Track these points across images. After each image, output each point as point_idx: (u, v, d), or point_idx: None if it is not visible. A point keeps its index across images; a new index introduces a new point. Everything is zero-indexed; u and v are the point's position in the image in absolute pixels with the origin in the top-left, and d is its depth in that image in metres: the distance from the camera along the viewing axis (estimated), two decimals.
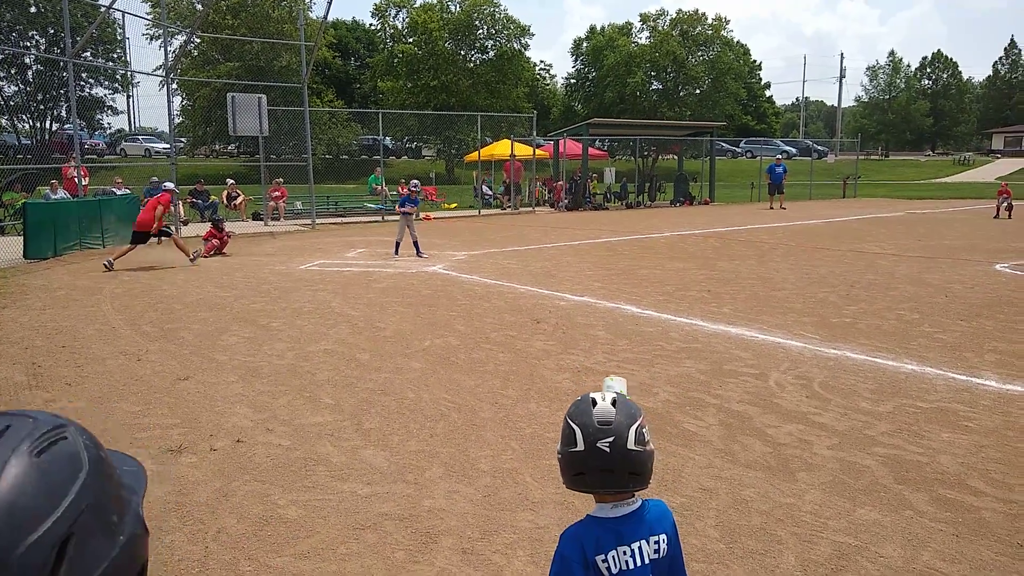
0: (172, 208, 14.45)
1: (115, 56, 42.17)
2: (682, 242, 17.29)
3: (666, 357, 7.05)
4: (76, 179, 17.26)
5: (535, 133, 29.48)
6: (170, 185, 14.67)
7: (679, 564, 1.87)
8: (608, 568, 1.77)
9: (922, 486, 4.27)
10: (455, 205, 29.13)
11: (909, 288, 10.67)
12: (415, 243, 14.38)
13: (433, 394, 5.98)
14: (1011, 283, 11.21)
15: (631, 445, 1.75)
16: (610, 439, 1.75)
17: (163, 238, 13.99)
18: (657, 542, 1.82)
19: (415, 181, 15.36)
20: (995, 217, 23.60)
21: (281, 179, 23.43)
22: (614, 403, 1.80)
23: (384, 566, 3.47)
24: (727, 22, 55.66)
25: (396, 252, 14.40)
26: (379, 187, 25.56)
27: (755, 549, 3.60)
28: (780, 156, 34.17)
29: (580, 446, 1.78)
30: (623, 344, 7.55)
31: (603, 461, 1.76)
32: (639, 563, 1.78)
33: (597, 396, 1.83)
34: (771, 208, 27.64)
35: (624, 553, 1.78)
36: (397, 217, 15.21)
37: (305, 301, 9.90)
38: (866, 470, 4.49)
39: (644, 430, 1.79)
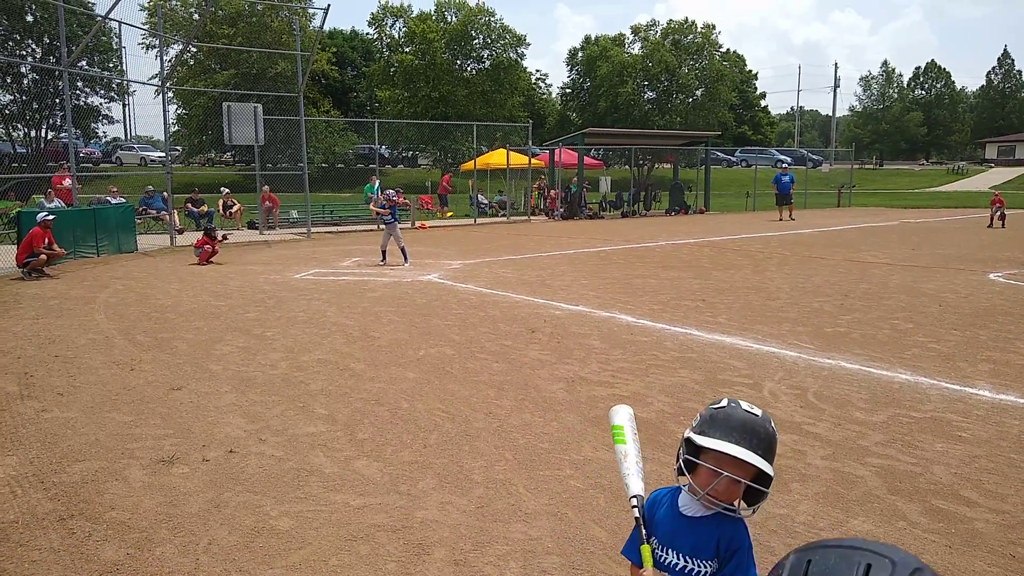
0: (44, 243, 12.98)
1: (111, 65, 42.25)
2: (677, 251, 17.32)
3: (660, 367, 7.05)
4: (71, 188, 17.24)
5: (531, 142, 29.53)
6: (41, 215, 13.44)
7: None
8: None
9: (915, 496, 4.27)
10: (451, 214, 29.15)
11: (903, 298, 10.69)
12: (402, 250, 14.53)
13: (427, 404, 5.97)
14: (1005, 292, 11.24)
15: None
16: None
17: (34, 273, 12.78)
18: None
19: (389, 191, 15.59)
20: (989, 226, 23.68)
21: (267, 187, 23.00)
22: None
23: None
24: (714, 28, 56.23)
25: (383, 259, 14.58)
26: (375, 196, 25.57)
27: None
28: (785, 165, 33.92)
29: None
30: (618, 354, 7.54)
31: None
32: None
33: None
34: (780, 219, 27.01)
35: None
36: (406, 228, 15.34)
37: (300, 310, 9.88)
38: (859, 480, 4.49)
39: None
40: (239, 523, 3.97)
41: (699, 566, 1.90)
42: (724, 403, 1.91)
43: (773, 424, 1.91)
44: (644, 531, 1.96)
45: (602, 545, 3.69)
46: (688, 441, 1.89)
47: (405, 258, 14.45)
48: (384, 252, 14.63)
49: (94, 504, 4.20)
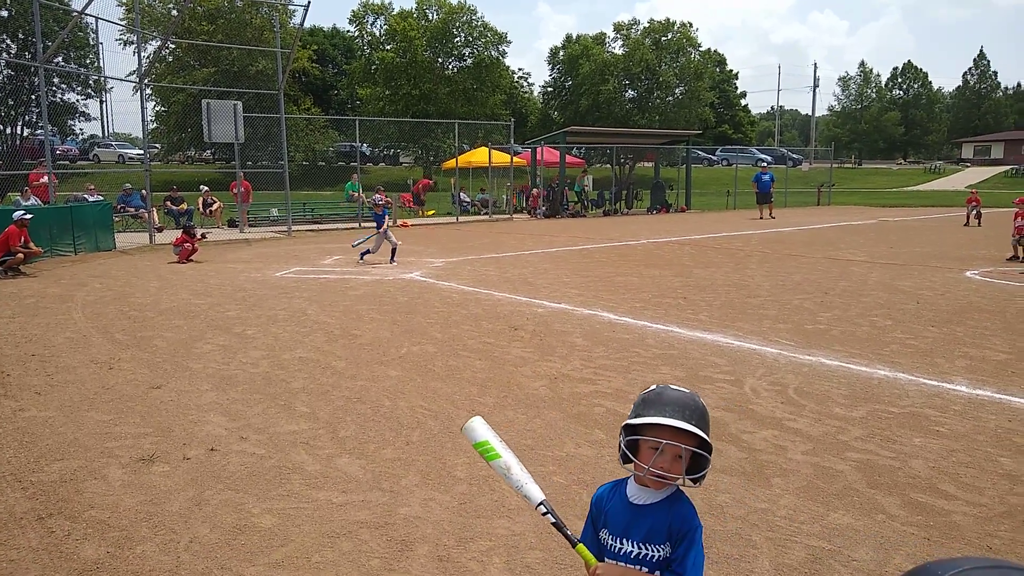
0: (20, 242, 12.83)
1: (88, 62, 41.77)
2: (658, 249, 17.39)
3: (642, 364, 7.08)
4: (49, 186, 17.01)
5: (512, 141, 29.54)
6: (18, 214, 13.31)
7: None
8: None
9: (894, 490, 4.32)
10: (433, 212, 29.09)
11: (882, 295, 10.81)
12: (393, 250, 14.55)
13: (409, 402, 5.96)
14: (981, 290, 11.39)
15: None
16: None
17: (10, 272, 12.70)
18: None
19: (375, 196, 15.59)
20: (965, 225, 24.00)
21: (242, 174, 22.52)
22: None
23: (359, 574, 3.45)
24: (691, 26, 56.56)
25: (362, 258, 14.55)
26: (356, 194, 25.46)
27: (730, 554, 3.62)
28: (765, 164, 34.18)
29: None
30: (600, 351, 7.57)
31: None
32: None
33: None
34: (761, 217, 27.36)
35: None
36: (373, 224, 15.24)
37: (280, 308, 9.83)
38: (839, 475, 4.54)
39: None
40: (221, 521, 3.94)
41: (653, 551, 1.94)
42: (654, 387, 2.02)
43: (702, 400, 2.00)
44: (569, 533, 2.02)
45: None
46: (626, 427, 1.97)
47: (392, 256, 14.46)
48: (367, 253, 14.59)
49: (73, 503, 4.16)
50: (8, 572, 3.45)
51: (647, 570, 1.95)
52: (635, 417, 1.95)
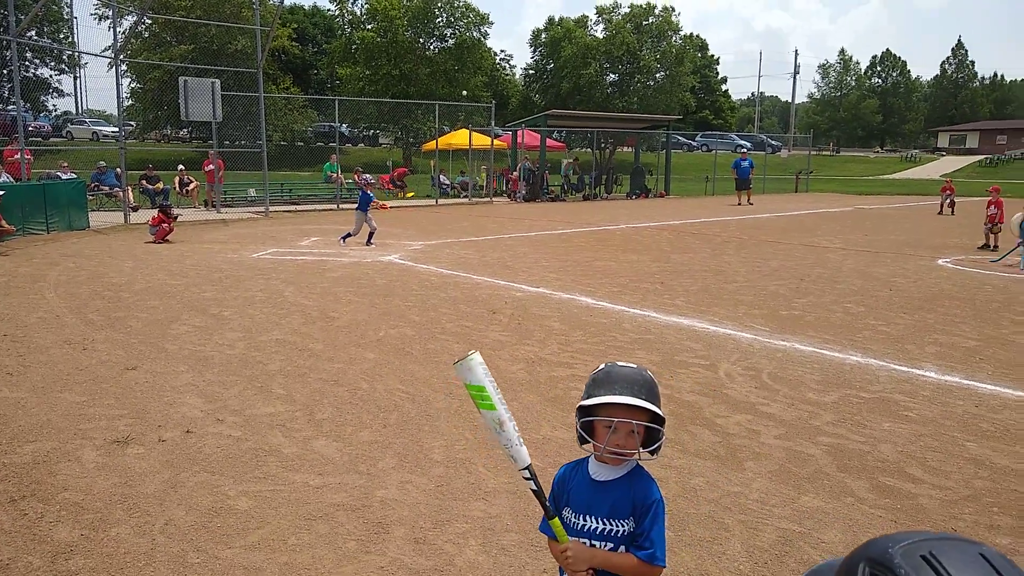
0: None
1: (61, 36, 40.95)
2: (637, 234, 17.46)
3: (619, 348, 7.13)
4: (21, 163, 16.71)
5: (493, 123, 29.41)
6: None
7: None
8: None
9: (863, 474, 4.40)
10: (412, 194, 28.95)
11: (856, 282, 10.94)
12: (371, 233, 14.52)
13: (387, 384, 5.96)
14: (952, 278, 11.57)
15: None
16: None
17: None
18: None
19: (368, 176, 15.50)
20: (939, 213, 24.31)
21: (215, 152, 22.04)
22: None
23: (335, 556, 3.47)
24: (673, 10, 56.39)
25: (343, 240, 14.49)
26: (334, 175, 25.25)
27: (703, 537, 3.68)
28: (744, 150, 34.27)
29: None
30: (577, 335, 7.61)
31: None
32: None
33: None
34: (739, 203, 27.53)
35: None
36: (354, 206, 15.15)
37: (257, 290, 9.76)
38: (811, 459, 4.61)
39: None
40: (197, 503, 3.94)
41: (617, 525, 1.97)
42: (602, 366, 2.04)
43: (650, 373, 2.02)
44: (548, 504, 2.02)
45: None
46: (580, 409, 2.00)
47: (369, 239, 14.45)
48: (351, 235, 14.54)
49: (46, 485, 4.13)
50: None
51: (612, 545, 1.97)
52: (587, 398, 1.97)
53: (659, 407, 1.94)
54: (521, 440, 2.06)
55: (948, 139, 75.20)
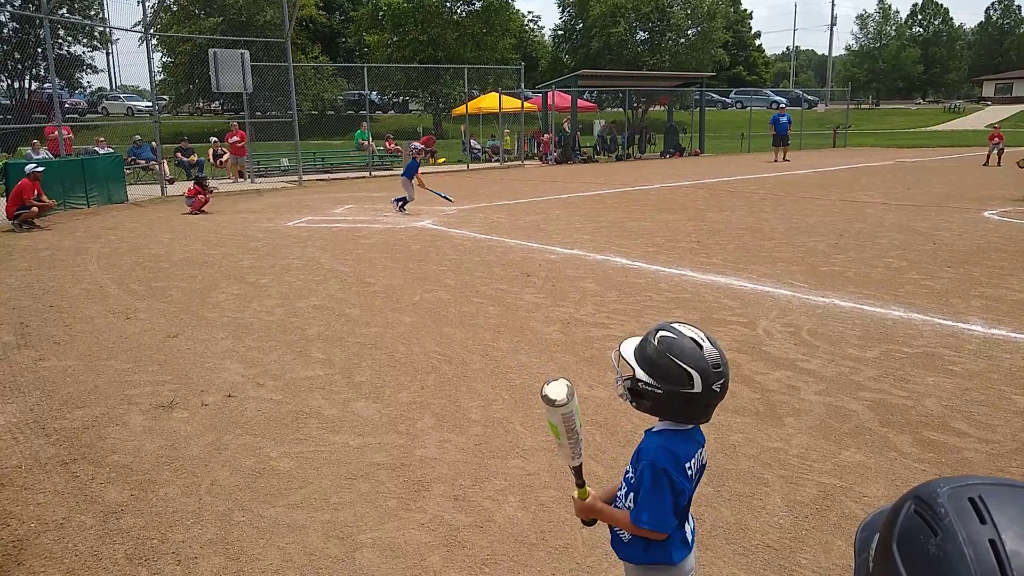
0: (33, 195, 12.78)
1: (92, 13, 41.26)
2: (672, 194, 17.24)
3: (655, 308, 7.08)
4: (66, 139, 16.95)
5: (523, 85, 29.10)
6: (30, 167, 13.19)
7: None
8: (690, 471, 1.97)
9: (906, 428, 4.34)
10: (443, 160, 28.88)
11: (898, 236, 10.70)
12: (407, 200, 14.34)
13: (424, 347, 6.00)
14: (999, 230, 11.25)
15: (729, 383, 1.97)
16: (721, 381, 1.93)
17: (25, 225, 12.70)
18: (704, 450, 2.04)
19: (416, 144, 15.41)
20: (984, 164, 23.57)
21: (236, 123, 22.17)
22: (713, 343, 1.94)
23: (376, 514, 3.52)
24: None
25: (402, 209, 14.23)
26: (365, 142, 25.28)
27: (742, 492, 3.66)
28: (783, 105, 33.53)
29: (697, 388, 1.91)
30: (612, 296, 7.57)
31: (713, 399, 1.94)
32: (700, 465, 2.02)
33: (698, 337, 1.94)
34: (776, 160, 26.91)
35: (697, 457, 2.00)
36: (398, 175, 15.11)
37: (294, 257, 9.86)
38: (852, 414, 4.55)
39: None
40: (240, 464, 4.02)
41: (629, 473, 2.04)
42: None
43: (655, 337, 1.97)
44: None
45: (599, 479, 3.75)
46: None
47: (403, 207, 14.30)
48: (407, 201, 14.32)
49: (96, 448, 4.25)
50: (36, 515, 3.54)
51: (626, 488, 2.02)
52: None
53: (640, 366, 1.95)
54: (580, 443, 2.10)
55: (993, 88, 72.69)
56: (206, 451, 4.19)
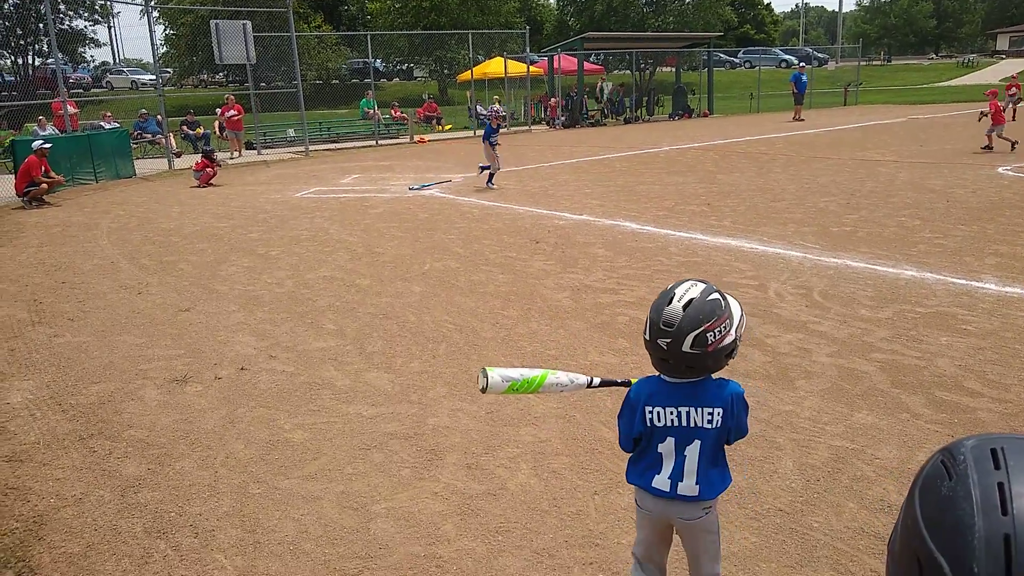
0: (41, 171, 12.76)
1: None
2: (681, 156, 17.08)
3: (666, 272, 7.05)
4: (64, 116, 16.90)
5: (528, 49, 28.75)
6: (37, 144, 13.08)
7: (732, 437, 2.14)
8: (652, 419, 2.11)
9: (919, 389, 4.32)
10: (450, 127, 28.67)
11: (910, 195, 10.58)
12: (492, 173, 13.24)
13: (434, 316, 6.01)
14: (1013, 186, 11.11)
15: (686, 348, 1.99)
16: (668, 340, 1.99)
17: (34, 202, 12.71)
18: (711, 413, 2.08)
19: (493, 107, 14.89)
20: (978, 120, 23.07)
21: (231, 97, 21.47)
22: (687, 305, 1.98)
23: (391, 483, 3.55)
24: None
25: (490, 181, 13.17)
26: (371, 111, 25.10)
27: (754, 456, 3.66)
28: (802, 64, 33.23)
29: (647, 335, 2.07)
30: (622, 261, 7.54)
31: (660, 354, 2.04)
32: (684, 424, 2.09)
33: (678, 292, 2.02)
34: (796, 119, 26.35)
35: (671, 412, 2.09)
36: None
37: (302, 229, 9.85)
38: (864, 376, 4.54)
39: (710, 333, 1.97)
40: (254, 437, 4.06)
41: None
42: (657, 297, 2.18)
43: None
44: (618, 380, 2.31)
45: (609, 445, 3.76)
46: None
47: (489, 180, 13.14)
48: (492, 175, 13.16)
49: (112, 423, 4.29)
50: (55, 490, 3.59)
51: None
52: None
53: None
54: (567, 373, 2.31)
55: (1008, 41, 71.25)
56: (220, 424, 4.23)
